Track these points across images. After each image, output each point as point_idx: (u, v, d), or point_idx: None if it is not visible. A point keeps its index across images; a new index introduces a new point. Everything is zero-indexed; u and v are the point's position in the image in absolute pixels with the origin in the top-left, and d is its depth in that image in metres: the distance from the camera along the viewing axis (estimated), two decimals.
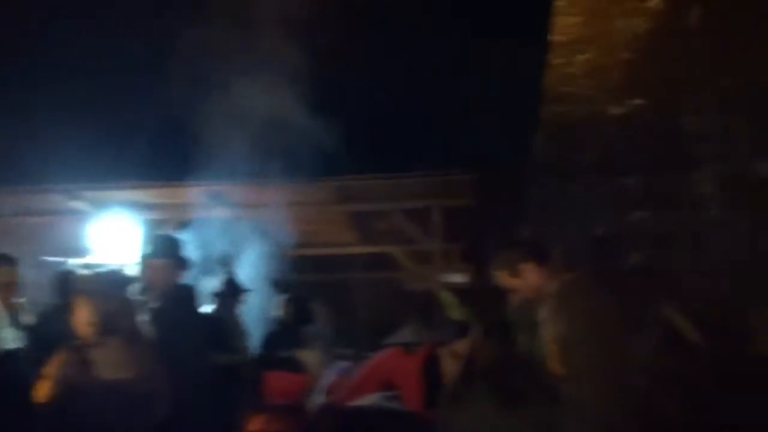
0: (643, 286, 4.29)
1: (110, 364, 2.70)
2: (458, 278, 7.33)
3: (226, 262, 5.02)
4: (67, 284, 3.85)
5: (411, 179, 6.38)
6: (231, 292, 4.73)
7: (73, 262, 5.28)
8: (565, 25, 4.85)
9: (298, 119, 5.62)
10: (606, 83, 4.77)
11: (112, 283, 3.18)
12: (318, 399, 4.04)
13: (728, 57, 4.29)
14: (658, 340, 3.94)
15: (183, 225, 5.69)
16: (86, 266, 4.65)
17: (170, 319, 3.27)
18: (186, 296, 3.55)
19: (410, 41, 6.54)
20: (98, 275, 3.29)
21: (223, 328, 4.18)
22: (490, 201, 5.50)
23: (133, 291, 3.44)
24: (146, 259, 3.47)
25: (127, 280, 3.40)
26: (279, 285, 5.77)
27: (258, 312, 5.26)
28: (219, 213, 6.22)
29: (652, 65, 4.63)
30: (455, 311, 4.35)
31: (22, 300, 3.70)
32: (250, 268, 5.72)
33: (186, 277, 3.57)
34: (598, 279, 2.91)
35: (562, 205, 4.79)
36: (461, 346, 3.30)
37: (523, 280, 2.73)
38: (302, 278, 6.82)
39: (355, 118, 6.55)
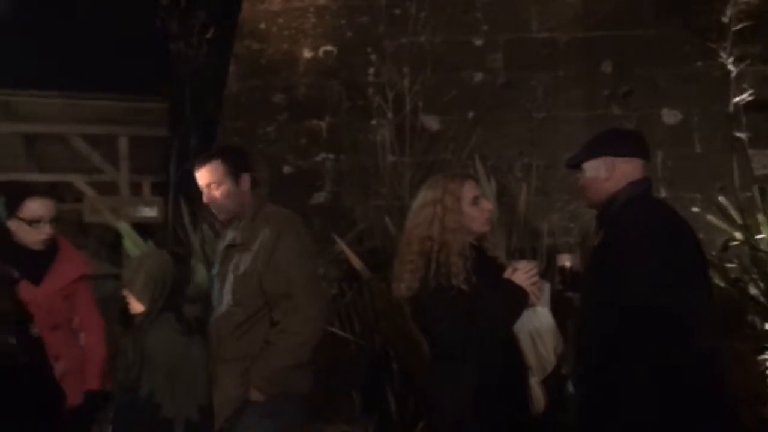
0: (323, 222, 4.63)
1: None
2: (147, 212, 7.04)
3: None
4: None
5: (94, 101, 5.87)
6: None
7: None
8: None
9: None
10: (301, 26, 4.92)
11: None
12: None
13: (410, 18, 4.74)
14: (333, 270, 4.32)
15: None
16: None
17: None
18: None
19: None
20: None
21: None
22: (181, 132, 5.32)
23: None
24: None
25: None
26: None
27: None
28: None
29: (343, 14, 4.89)
30: (134, 245, 4.19)
31: None
32: None
33: None
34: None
35: (254, 143, 4.86)
36: None
37: (236, 187, 2.60)
38: None
39: (31, 28, 5.77)
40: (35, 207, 2.65)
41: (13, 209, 2.64)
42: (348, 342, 4.01)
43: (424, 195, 2.34)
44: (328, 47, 4.92)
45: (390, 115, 4.55)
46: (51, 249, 2.72)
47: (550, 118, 4.67)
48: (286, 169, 4.85)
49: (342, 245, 3.99)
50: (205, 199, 2.68)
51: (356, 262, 3.89)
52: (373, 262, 3.95)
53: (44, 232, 2.66)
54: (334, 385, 3.86)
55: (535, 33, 4.77)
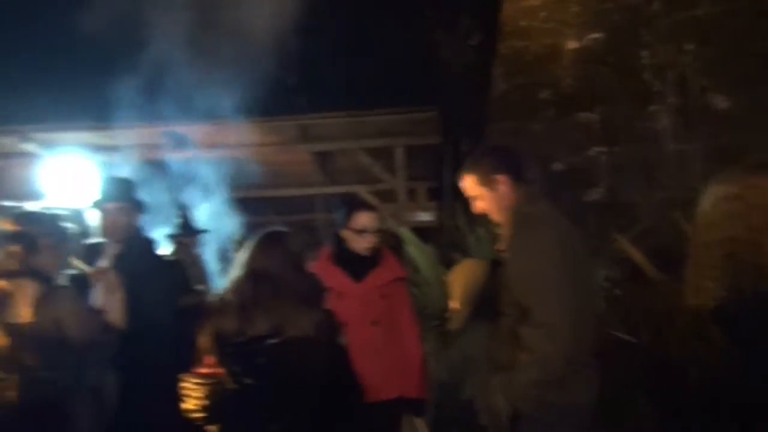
0: (600, 219, 4.40)
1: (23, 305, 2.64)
2: (424, 216, 7.43)
3: (182, 204, 4.96)
4: None
5: (374, 117, 6.35)
6: (187, 234, 4.70)
7: (29, 206, 5.15)
8: None
9: (258, 56, 5.48)
10: (564, 17, 4.74)
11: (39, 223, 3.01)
12: None
13: None
14: (614, 270, 4.07)
15: (138, 167, 5.58)
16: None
17: (133, 264, 3.24)
18: (146, 240, 3.53)
19: None
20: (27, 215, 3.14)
21: (183, 270, 4.17)
22: (452, 137, 5.49)
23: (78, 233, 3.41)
24: (102, 204, 3.42)
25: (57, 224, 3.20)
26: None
27: (220, 253, 5.26)
28: (177, 154, 6.14)
29: None
30: (416, 249, 4.41)
31: None
32: (212, 209, 5.69)
33: (143, 221, 3.53)
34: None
35: (522, 142, 4.82)
36: None
37: (493, 191, 2.44)
38: (265, 220, 6.81)
39: (317, 57, 6.43)
40: (363, 219, 2.99)
41: (345, 220, 2.99)
42: (634, 346, 3.74)
43: (716, 191, 2.07)
44: (595, 34, 4.67)
45: (671, 98, 4.16)
46: (376, 256, 3.03)
47: None
48: (557, 167, 4.70)
49: (625, 243, 3.74)
50: (473, 209, 2.64)
51: (642, 262, 3.61)
52: (661, 261, 3.64)
53: (369, 240, 2.97)
54: (621, 391, 3.63)
55: None
